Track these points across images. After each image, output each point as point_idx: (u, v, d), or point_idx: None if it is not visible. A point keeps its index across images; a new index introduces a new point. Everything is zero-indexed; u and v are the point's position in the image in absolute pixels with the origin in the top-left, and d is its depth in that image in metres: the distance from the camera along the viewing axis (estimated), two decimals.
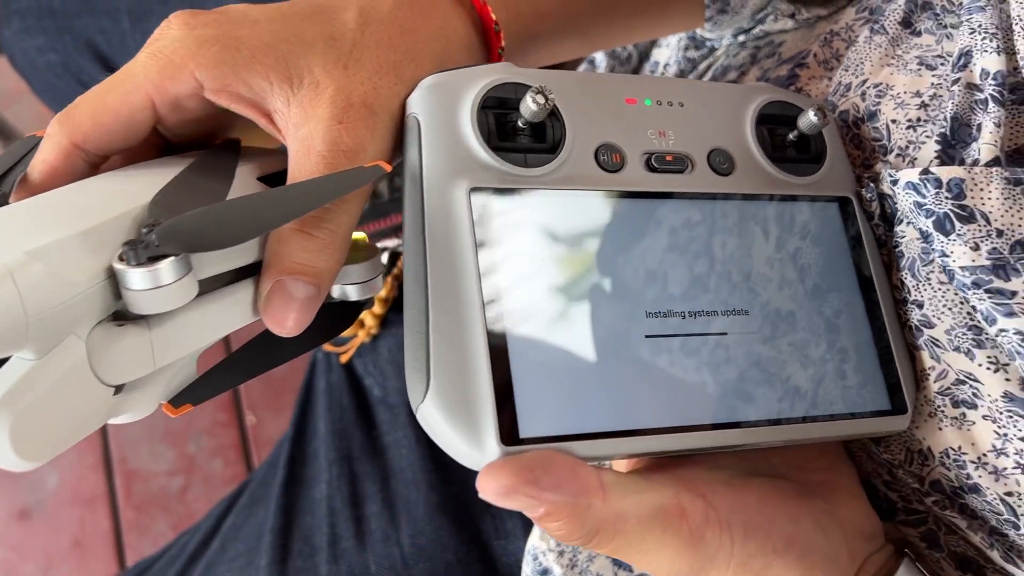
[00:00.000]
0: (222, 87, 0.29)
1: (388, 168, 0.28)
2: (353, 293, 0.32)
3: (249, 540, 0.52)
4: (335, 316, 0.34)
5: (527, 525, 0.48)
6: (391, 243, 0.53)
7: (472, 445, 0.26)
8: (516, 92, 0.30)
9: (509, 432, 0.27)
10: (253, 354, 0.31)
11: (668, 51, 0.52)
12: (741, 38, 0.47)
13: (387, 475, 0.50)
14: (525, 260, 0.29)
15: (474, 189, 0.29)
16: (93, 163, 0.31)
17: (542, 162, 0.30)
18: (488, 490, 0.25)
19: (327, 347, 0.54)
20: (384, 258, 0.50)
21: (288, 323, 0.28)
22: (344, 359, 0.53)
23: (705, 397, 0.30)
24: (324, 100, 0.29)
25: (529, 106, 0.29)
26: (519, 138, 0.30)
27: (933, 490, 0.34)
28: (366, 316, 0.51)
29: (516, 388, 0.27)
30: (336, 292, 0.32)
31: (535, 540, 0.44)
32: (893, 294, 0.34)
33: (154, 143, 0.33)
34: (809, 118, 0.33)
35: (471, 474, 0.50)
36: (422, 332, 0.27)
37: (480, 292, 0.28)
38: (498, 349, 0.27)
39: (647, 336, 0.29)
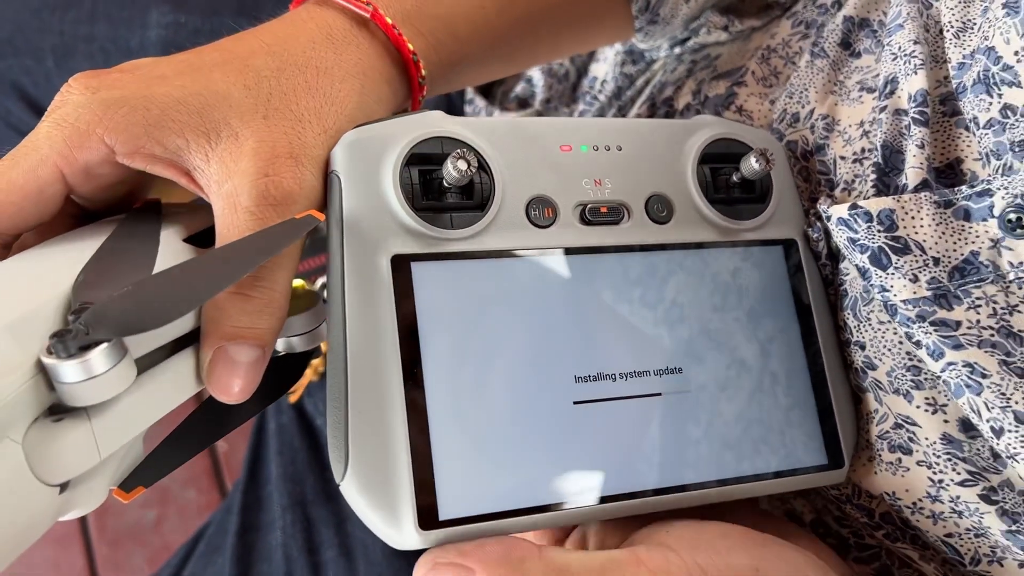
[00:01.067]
0: (135, 149, 0.28)
1: (321, 217, 0.27)
2: (299, 345, 0.31)
3: None
4: (283, 371, 0.32)
5: None
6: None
7: (391, 527, 0.25)
8: (443, 147, 0.29)
9: (428, 515, 0.26)
10: (201, 424, 0.30)
11: (606, 66, 0.51)
12: (677, 50, 0.46)
13: (342, 519, 0.49)
14: (449, 331, 0.27)
15: (396, 257, 0.27)
16: (4, 243, 0.29)
17: (469, 221, 0.29)
18: None
19: None
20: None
21: (234, 389, 0.27)
22: (293, 399, 0.52)
23: (637, 463, 0.29)
24: (246, 153, 0.28)
25: (451, 171, 0.27)
26: (446, 196, 0.29)
27: (884, 522, 0.33)
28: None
29: (437, 467, 0.26)
30: (281, 346, 0.31)
31: None
32: (838, 336, 0.33)
33: (69, 212, 0.31)
34: (751, 164, 0.32)
35: None
36: (341, 407, 0.26)
37: (400, 366, 0.26)
38: (418, 426, 0.26)
39: (575, 403, 0.28)
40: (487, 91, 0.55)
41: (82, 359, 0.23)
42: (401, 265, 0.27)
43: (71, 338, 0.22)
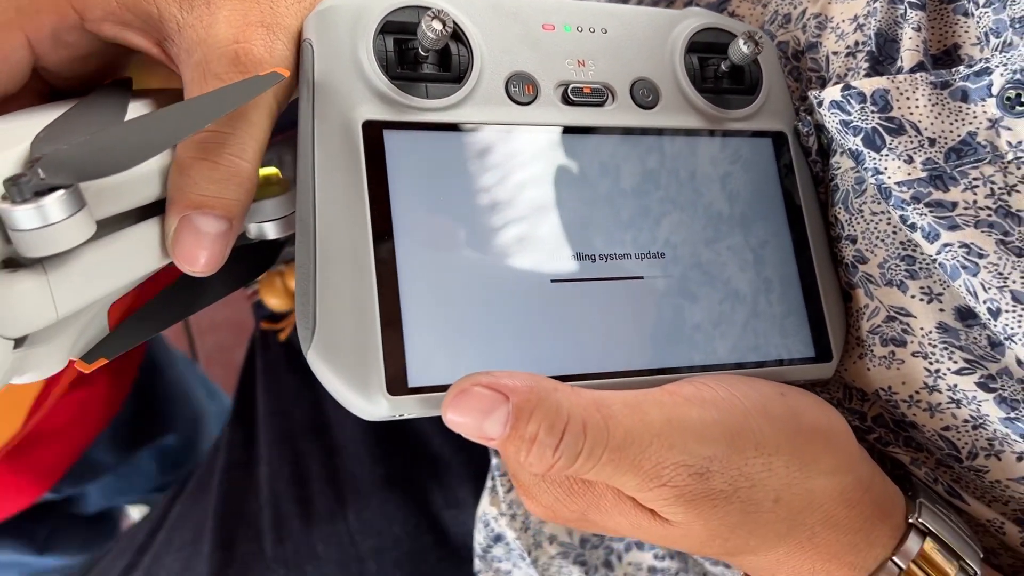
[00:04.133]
0: (104, 16, 0.27)
1: (286, 73, 0.26)
2: (271, 231, 0.30)
3: (195, 528, 0.50)
4: (254, 257, 0.31)
5: (478, 494, 0.46)
6: None
7: (358, 394, 0.25)
8: (419, 16, 0.28)
9: (398, 381, 0.25)
10: (169, 301, 0.29)
11: None
12: None
13: (331, 451, 0.48)
14: (422, 199, 0.26)
15: (368, 123, 0.27)
16: None
17: (445, 92, 0.28)
18: (458, 423, 0.23)
19: (265, 325, 0.52)
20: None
21: (200, 261, 0.26)
22: (283, 337, 0.51)
23: (613, 344, 0.28)
24: (219, 21, 0.27)
25: (425, 32, 0.26)
26: (422, 66, 0.28)
27: (876, 424, 0.32)
28: None
29: (407, 334, 0.25)
30: (252, 231, 0.30)
31: (486, 506, 0.42)
32: (828, 232, 0.32)
33: (37, 90, 0.31)
34: (739, 47, 0.31)
35: (417, 445, 0.49)
36: (309, 273, 0.25)
37: (370, 232, 0.25)
38: (389, 293, 0.25)
39: (553, 280, 0.27)
40: None
41: (36, 204, 0.22)
42: (373, 131, 0.26)
43: (25, 182, 0.22)
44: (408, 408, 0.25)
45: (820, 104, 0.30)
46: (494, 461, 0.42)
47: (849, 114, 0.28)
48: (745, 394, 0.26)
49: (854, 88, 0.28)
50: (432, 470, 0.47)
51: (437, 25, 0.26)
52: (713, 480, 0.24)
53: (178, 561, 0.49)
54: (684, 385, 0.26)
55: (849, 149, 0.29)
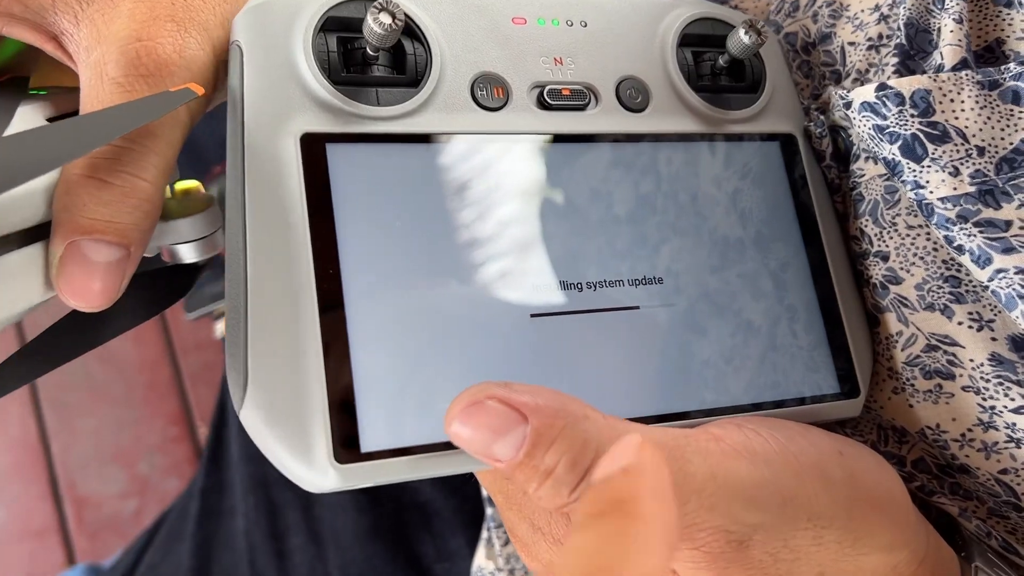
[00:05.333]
0: None
1: (200, 92, 0.22)
2: (187, 254, 0.26)
3: None
4: (169, 282, 0.28)
5: (472, 544, 0.42)
6: None
7: (300, 461, 0.20)
8: (366, 11, 0.24)
9: (347, 445, 0.21)
10: (63, 334, 0.26)
11: None
12: None
13: (309, 501, 0.44)
14: (374, 224, 0.22)
15: (307, 136, 0.23)
16: None
17: (400, 98, 0.24)
18: (464, 437, 0.19)
19: None
20: None
21: (90, 294, 0.22)
22: None
23: (610, 388, 0.23)
24: (121, 15, 0.23)
25: (372, 28, 0.22)
26: (371, 69, 0.24)
27: (918, 470, 0.28)
28: None
29: (359, 387, 0.21)
30: (166, 254, 0.26)
31: (481, 560, 0.38)
32: (851, 247, 0.28)
33: None
34: (739, 38, 0.27)
35: (404, 490, 0.45)
36: (240, 315, 0.21)
37: (312, 265, 0.21)
38: (335, 339, 0.21)
39: (533, 315, 0.23)
40: None
41: None
42: (313, 146, 0.22)
43: None
44: (361, 478, 0.21)
45: (848, 105, 0.26)
46: (489, 511, 0.38)
47: (885, 118, 0.25)
48: (802, 450, 0.22)
49: (891, 88, 0.24)
50: (422, 518, 0.43)
51: (386, 19, 0.22)
52: (753, 550, 0.20)
53: None
54: (732, 430, 0.22)
55: (884, 158, 0.25)
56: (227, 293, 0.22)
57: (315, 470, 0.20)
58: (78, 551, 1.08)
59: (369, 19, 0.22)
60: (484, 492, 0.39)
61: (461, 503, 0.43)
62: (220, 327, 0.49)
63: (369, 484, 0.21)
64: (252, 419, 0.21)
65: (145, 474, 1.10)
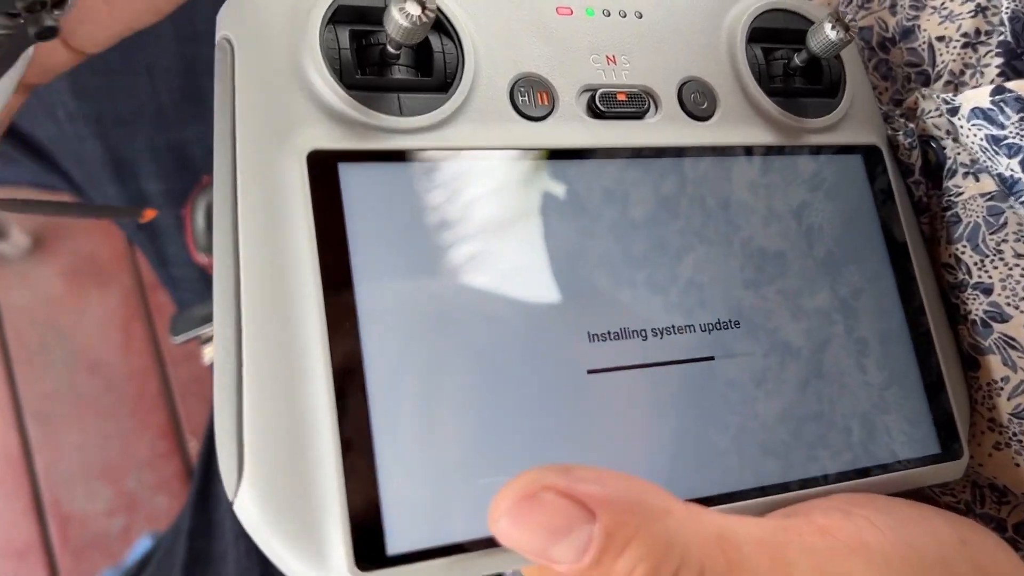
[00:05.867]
0: None
1: None
2: None
3: None
4: None
5: None
6: None
7: (310, 567, 0.16)
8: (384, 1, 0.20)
9: (370, 547, 0.16)
10: None
11: None
12: None
13: None
14: (397, 264, 0.18)
15: (316, 154, 0.18)
16: None
17: (427, 106, 0.20)
18: (515, 538, 0.15)
19: None
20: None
21: None
22: None
23: (684, 459, 0.19)
24: None
25: (397, 20, 0.18)
26: (391, 70, 0.20)
27: (1020, 535, 0.24)
28: None
29: (382, 473, 0.17)
30: None
31: None
32: (944, 278, 0.24)
33: None
34: (825, 33, 0.23)
35: None
36: (232, 386, 0.17)
37: (323, 317, 0.17)
38: (352, 411, 0.17)
39: (590, 371, 0.19)
40: None
41: None
42: (323, 166, 0.18)
43: None
44: None
45: (954, 112, 0.22)
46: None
47: (1002, 127, 0.21)
48: (922, 543, 0.18)
49: (1010, 91, 0.21)
50: None
51: (414, 9, 0.18)
52: None
53: None
54: (839, 519, 0.18)
55: (998, 174, 0.21)
56: (216, 354, 0.18)
57: None
58: (62, 570, 1.04)
59: (393, 9, 0.18)
60: None
61: None
62: (208, 351, 0.45)
63: None
64: (249, 512, 0.17)
65: (133, 490, 1.06)
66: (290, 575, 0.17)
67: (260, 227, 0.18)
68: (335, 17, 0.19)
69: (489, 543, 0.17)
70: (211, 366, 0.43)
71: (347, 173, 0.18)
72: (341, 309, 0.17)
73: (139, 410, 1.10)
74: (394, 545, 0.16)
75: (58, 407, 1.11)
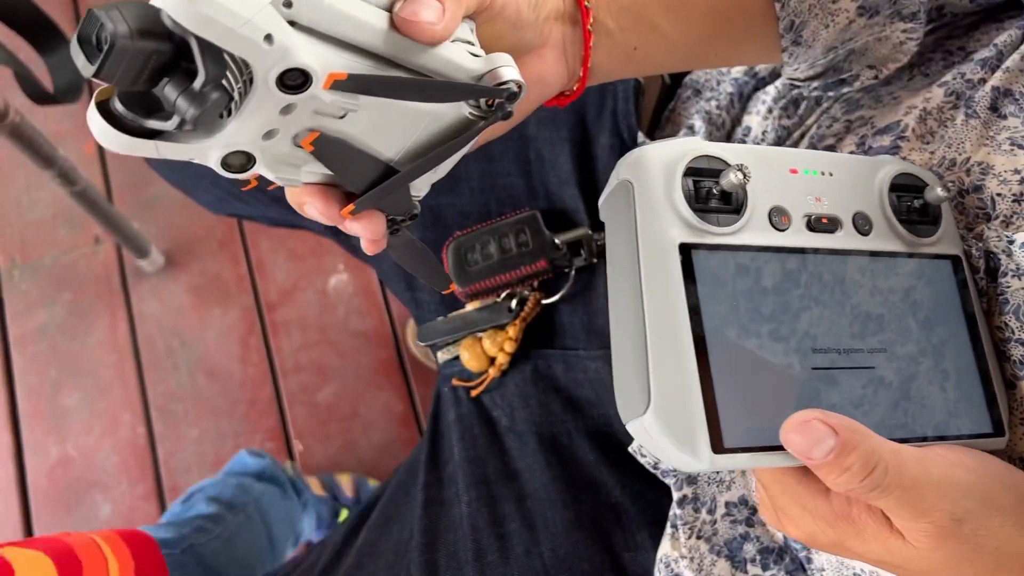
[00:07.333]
0: None
1: None
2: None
3: (387, 555, 0.56)
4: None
5: (655, 537, 0.54)
6: (521, 290, 0.59)
7: (688, 452, 0.33)
8: (708, 163, 0.37)
9: (717, 443, 0.33)
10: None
11: (758, 118, 0.59)
12: (826, 104, 0.55)
13: (523, 496, 0.55)
14: (721, 302, 0.35)
15: (683, 245, 0.35)
16: None
17: (730, 222, 0.37)
18: (795, 443, 0.31)
19: (455, 382, 0.60)
20: (513, 303, 0.56)
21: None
22: (474, 394, 0.59)
23: (858, 418, 0.36)
24: None
25: (731, 180, 0.35)
26: (710, 201, 0.37)
27: None
28: (499, 355, 0.57)
29: (720, 408, 0.33)
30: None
31: (667, 550, 0.50)
32: (995, 335, 0.41)
33: None
34: (937, 193, 0.40)
35: (600, 493, 0.57)
36: (641, 357, 0.34)
37: (689, 326, 0.34)
38: (705, 373, 0.34)
39: (814, 368, 0.36)
40: (651, 135, 0.63)
41: None
42: (686, 251, 0.35)
43: None
44: (724, 465, 0.33)
45: (1012, 242, 0.39)
46: (676, 511, 0.50)
47: None
48: (990, 466, 0.34)
49: None
50: (614, 516, 0.55)
51: (740, 176, 0.35)
52: (963, 526, 0.32)
53: None
54: (948, 451, 0.34)
55: None
56: (619, 345, 0.35)
57: (700, 458, 0.33)
58: None
59: (731, 175, 0.35)
60: (675, 496, 0.51)
61: (645, 506, 0.55)
62: (441, 356, 0.62)
63: (728, 468, 0.33)
64: (652, 425, 0.33)
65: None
66: (670, 460, 0.33)
67: (655, 277, 0.35)
68: (687, 172, 0.37)
69: (770, 448, 0.34)
70: (443, 364, 0.59)
71: (696, 255, 0.36)
72: (698, 325, 0.34)
73: (252, 413, 1.24)
74: (727, 443, 0.33)
75: (180, 405, 1.25)
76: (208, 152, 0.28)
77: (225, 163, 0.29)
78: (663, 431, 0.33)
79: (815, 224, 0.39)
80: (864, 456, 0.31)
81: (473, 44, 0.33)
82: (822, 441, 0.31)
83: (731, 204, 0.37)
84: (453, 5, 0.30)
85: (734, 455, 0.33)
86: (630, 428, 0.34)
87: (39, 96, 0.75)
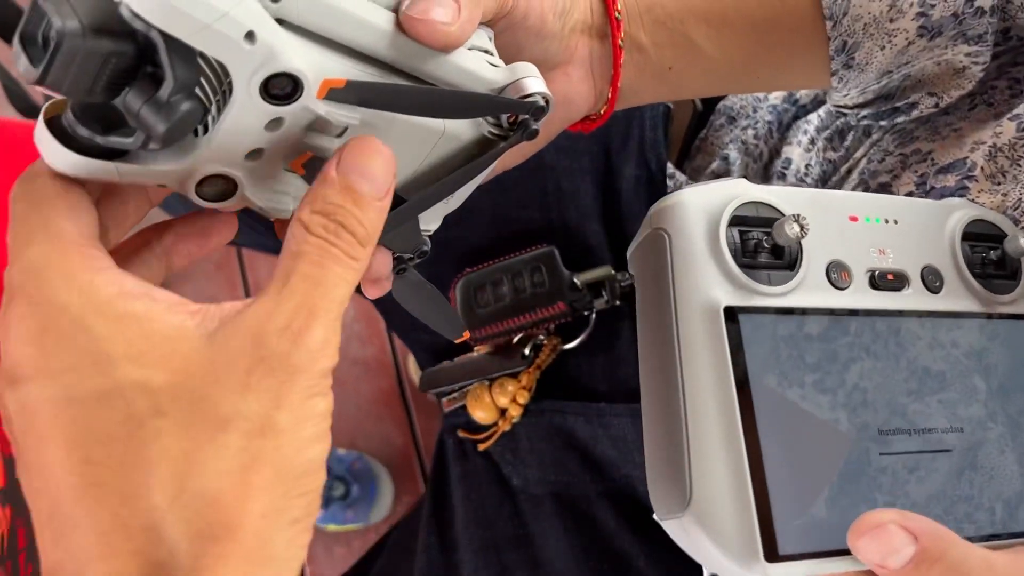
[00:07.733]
0: None
1: None
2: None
3: None
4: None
5: None
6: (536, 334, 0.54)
7: (736, 561, 0.27)
8: (757, 211, 0.32)
9: (771, 549, 0.27)
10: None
11: (800, 149, 0.54)
12: (883, 141, 0.49)
13: (536, 564, 0.50)
14: (773, 377, 0.30)
15: (728, 308, 0.30)
16: None
17: (783, 280, 0.32)
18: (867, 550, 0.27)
19: (462, 433, 0.55)
20: (527, 349, 0.51)
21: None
22: (482, 447, 0.53)
23: (937, 511, 0.31)
24: None
25: (787, 233, 0.30)
26: (759, 255, 0.32)
27: None
28: (510, 407, 0.52)
29: (773, 506, 0.28)
30: None
31: None
32: None
33: None
34: (1018, 243, 0.35)
35: (622, 563, 0.51)
36: (678, 443, 0.29)
37: (737, 407, 0.29)
38: (756, 465, 0.28)
39: (881, 453, 0.30)
40: (680, 166, 0.58)
41: None
42: (732, 315, 0.30)
43: None
44: (778, 574, 0.28)
45: None
46: None
47: None
48: None
49: None
50: None
51: (797, 228, 0.30)
52: None
53: None
54: None
55: None
56: (652, 424, 0.30)
57: (751, 567, 0.27)
58: None
59: (785, 226, 0.30)
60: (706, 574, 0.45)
61: None
62: (446, 403, 0.57)
63: None
64: (691, 528, 0.28)
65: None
66: (713, 567, 0.28)
67: (695, 346, 0.29)
68: (732, 222, 0.31)
69: (833, 553, 0.28)
70: (448, 412, 0.54)
71: (744, 320, 0.30)
72: (746, 403, 0.29)
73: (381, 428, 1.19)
74: (783, 550, 0.28)
75: None
76: (180, 176, 0.23)
77: (200, 191, 0.24)
78: (706, 535, 0.28)
79: (879, 281, 0.33)
80: (950, 568, 0.26)
81: (492, 54, 0.28)
82: (899, 550, 0.26)
83: (783, 259, 0.32)
84: (470, 4, 0.25)
85: (791, 563, 0.28)
86: (666, 527, 0.29)
87: (28, 109, 0.72)
